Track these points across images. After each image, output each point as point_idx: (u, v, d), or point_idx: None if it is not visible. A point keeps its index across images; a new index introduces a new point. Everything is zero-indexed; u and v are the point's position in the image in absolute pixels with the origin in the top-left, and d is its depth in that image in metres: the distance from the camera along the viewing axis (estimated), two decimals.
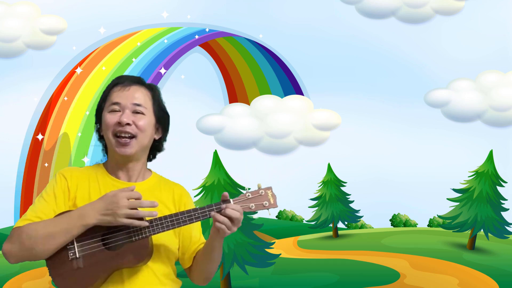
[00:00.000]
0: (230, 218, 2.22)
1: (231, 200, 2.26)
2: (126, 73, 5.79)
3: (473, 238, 5.85)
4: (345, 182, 5.94)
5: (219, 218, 2.21)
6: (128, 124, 2.31)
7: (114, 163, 2.39)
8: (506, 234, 5.77)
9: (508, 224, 5.78)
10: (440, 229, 5.92)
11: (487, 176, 5.81)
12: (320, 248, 5.91)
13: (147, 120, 2.36)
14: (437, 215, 5.91)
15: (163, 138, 2.47)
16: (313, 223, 6.00)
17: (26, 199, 5.72)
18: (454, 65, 5.89)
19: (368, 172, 5.80)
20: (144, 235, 2.20)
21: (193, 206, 2.45)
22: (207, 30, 5.87)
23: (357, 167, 5.83)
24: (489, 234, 5.80)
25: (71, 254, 2.20)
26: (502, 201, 5.81)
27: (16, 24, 5.69)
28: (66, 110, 5.76)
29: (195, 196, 5.53)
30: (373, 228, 6.02)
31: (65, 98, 5.75)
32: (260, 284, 5.59)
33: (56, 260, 2.21)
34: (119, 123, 2.31)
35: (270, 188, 2.30)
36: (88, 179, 2.36)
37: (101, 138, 2.43)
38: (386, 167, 5.79)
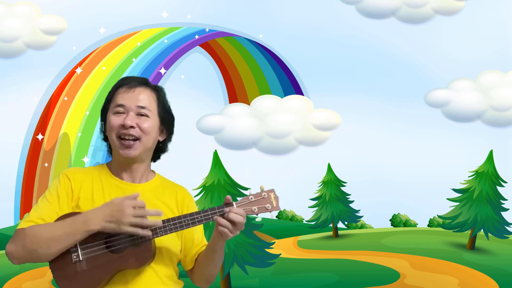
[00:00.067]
0: (232, 222, 2.22)
1: (234, 203, 2.25)
2: (126, 73, 5.79)
3: (473, 238, 5.85)
4: (345, 182, 5.95)
5: (221, 222, 2.22)
6: (132, 127, 2.31)
7: (118, 164, 2.39)
8: (506, 234, 5.78)
9: (508, 224, 5.78)
10: (440, 229, 5.92)
11: (487, 176, 5.82)
12: (320, 248, 5.91)
13: (151, 123, 2.35)
14: (437, 215, 5.91)
15: (167, 140, 2.47)
16: (313, 223, 6.00)
17: (26, 199, 5.72)
18: (454, 65, 5.90)
19: (368, 172, 5.80)
20: (147, 238, 2.21)
21: (195, 209, 2.45)
22: (207, 30, 5.87)
23: (357, 167, 5.83)
24: (489, 234, 5.80)
25: (75, 257, 2.20)
26: (502, 201, 5.82)
27: (16, 24, 5.69)
28: (66, 110, 5.76)
29: (195, 196, 5.53)
30: (373, 228, 6.03)
31: (65, 98, 5.74)
32: (260, 284, 5.60)
33: (60, 263, 2.21)
34: (123, 126, 2.31)
35: (272, 191, 2.30)
36: (91, 179, 2.36)
37: (105, 138, 2.42)
38: (386, 167, 5.79)
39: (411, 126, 5.87)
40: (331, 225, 6.02)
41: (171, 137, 2.48)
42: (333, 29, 5.90)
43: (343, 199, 5.96)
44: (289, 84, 5.91)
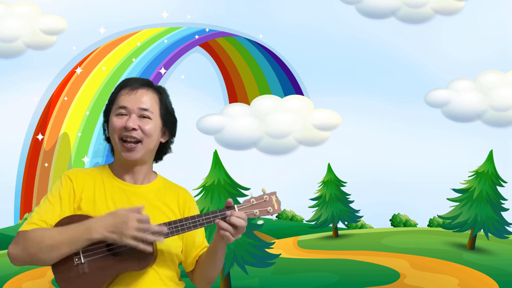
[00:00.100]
0: (234, 226, 2.22)
1: (235, 206, 2.25)
2: (126, 73, 5.79)
3: (473, 238, 5.86)
4: (345, 182, 5.95)
5: (223, 226, 2.22)
6: (134, 129, 2.31)
7: (120, 165, 2.38)
8: (506, 234, 5.78)
9: (508, 224, 5.79)
10: (440, 229, 5.93)
11: (487, 176, 5.82)
12: (320, 248, 5.92)
13: (153, 125, 2.35)
14: (437, 215, 5.92)
15: (170, 141, 2.47)
16: (313, 223, 6.00)
17: (26, 199, 5.72)
18: (454, 65, 5.90)
19: (368, 172, 5.81)
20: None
21: (197, 211, 2.45)
22: (207, 30, 5.87)
23: (357, 167, 5.84)
24: (489, 234, 5.80)
25: (77, 260, 2.20)
26: (502, 201, 5.82)
27: (16, 24, 5.69)
28: (66, 110, 5.76)
29: (195, 196, 5.52)
30: (373, 228, 6.03)
31: (65, 98, 5.74)
32: (260, 284, 5.60)
33: (62, 265, 2.21)
34: (125, 128, 2.31)
35: (274, 194, 2.29)
36: (93, 181, 2.36)
37: (107, 139, 2.42)
38: (386, 167, 5.80)
39: (411, 126, 5.88)
40: (331, 225, 6.02)
41: (173, 139, 2.47)
42: (333, 29, 5.90)
43: (343, 199, 5.96)
44: (289, 84, 5.91)
